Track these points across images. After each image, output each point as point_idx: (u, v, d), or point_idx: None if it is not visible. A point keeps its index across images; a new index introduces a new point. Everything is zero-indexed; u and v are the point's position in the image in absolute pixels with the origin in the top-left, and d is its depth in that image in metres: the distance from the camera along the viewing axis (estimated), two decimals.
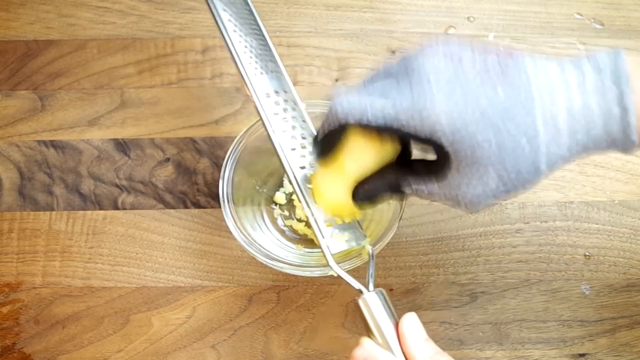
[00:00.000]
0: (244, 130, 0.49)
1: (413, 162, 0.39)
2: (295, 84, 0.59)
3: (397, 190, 0.39)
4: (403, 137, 0.36)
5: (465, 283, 0.54)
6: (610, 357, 0.52)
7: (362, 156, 0.39)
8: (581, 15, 0.62)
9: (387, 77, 0.36)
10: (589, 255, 0.55)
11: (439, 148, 0.34)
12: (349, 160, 0.39)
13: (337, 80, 0.60)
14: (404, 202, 0.47)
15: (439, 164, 0.36)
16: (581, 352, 0.52)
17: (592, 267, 0.54)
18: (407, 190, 0.38)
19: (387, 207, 0.50)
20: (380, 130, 0.35)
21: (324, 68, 0.60)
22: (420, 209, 0.56)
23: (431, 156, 0.36)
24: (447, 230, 0.55)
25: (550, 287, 0.54)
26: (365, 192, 0.40)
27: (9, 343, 0.53)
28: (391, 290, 0.54)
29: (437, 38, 0.36)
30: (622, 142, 0.34)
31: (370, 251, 0.44)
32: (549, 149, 0.34)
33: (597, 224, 0.55)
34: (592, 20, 0.62)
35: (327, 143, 0.38)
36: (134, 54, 0.61)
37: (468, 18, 0.62)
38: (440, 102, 0.33)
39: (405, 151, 0.40)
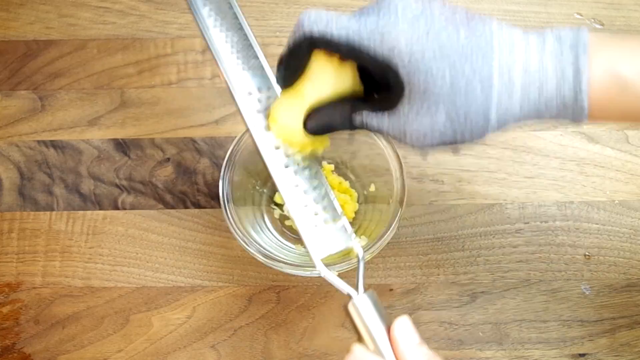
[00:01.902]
0: (244, 130, 0.49)
1: (367, 96, 0.40)
2: None
3: (349, 124, 0.39)
4: (361, 60, 0.36)
5: (465, 283, 0.54)
6: (610, 357, 0.52)
7: (321, 81, 0.39)
8: (581, 15, 0.62)
9: (360, 10, 0.37)
10: (589, 255, 0.55)
11: (392, 72, 0.35)
12: (308, 84, 0.39)
13: None
14: (403, 202, 0.47)
15: (392, 97, 0.36)
16: (581, 352, 0.52)
17: (592, 267, 0.54)
18: (357, 121, 0.38)
19: (386, 207, 0.50)
20: (341, 50, 0.36)
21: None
22: (420, 209, 0.56)
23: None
24: (447, 230, 0.55)
25: (550, 287, 0.54)
26: (317, 119, 0.39)
27: (9, 343, 0.53)
28: (391, 290, 0.54)
29: None
30: (572, 106, 0.35)
31: (360, 253, 0.42)
32: (500, 95, 0.35)
33: (597, 224, 0.55)
34: (592, 20, 0.62)
35: (291, 64, 0.38)
36: (134, 54, 0.61)
37: None
38: (403, 29, 0.34)
39: (365, 92, 0.40)
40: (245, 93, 0.43)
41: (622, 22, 0.62)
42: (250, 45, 0.44)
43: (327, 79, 0.39)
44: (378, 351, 0.36)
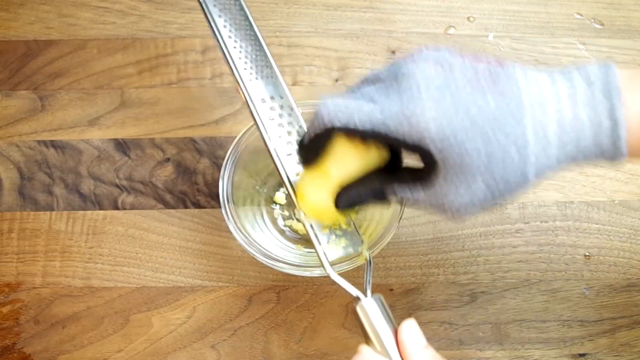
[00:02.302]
0: (244, 130, 0.49)
1: (400, 169, 0.39)
2: (295, 84, 0.60)
3: (381, 198, 0.38)
4: (390, 144, 0.36)
5: (465, 283, 0.54)
6: (610, 357, 0.52)
7: (346, 162, 0.38)
8: (581, 15, 0.62)
9: (376, 83, 0.36)
10: (589, 255, 0.55)
11: (426, 155, 0.34)
12: (333, 165, 0.38)
13: (337, 80, 0.60)
14: (403, 203, 0.47)
15: (426, 171, 0.35)
16: (581, 352, 0.52)
17: (592, 267, 0.54)
18: (392, 197, 0.38)
19: (386, 208, 0.50)
20: (366, 136, 0.35)
21: (324, 68, 0.60)
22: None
23: (419, 164, 0.36)
24: (447, 230, 0.55)
25: (550, 287, 0.54)
26: (348, 197, 0.39)
27: (9, 343, 0.53)
28: (391, 290, 0.54)
29: (427, 45, 0.36)
30: (611, 154, 0.34)
31: (368, 257, 0.43)
32: (538, 159, 0.34)
33: (597, 224, 0.55)
34: (592, 20, 0.62)
35: (313, 148, 0.38)
36: (134, 54, 0.61)
37: (468, 18, 0.62)
38: (430, 108, 0.33)
39: (393, 158, 0.39)
40: (259, 100, 0.44)
41: (622, 22, 0.62)
42: (263, 54, 0.45)
43: (351, 158, 0.38)
44: (385, 352, 0.36)
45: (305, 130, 0.45)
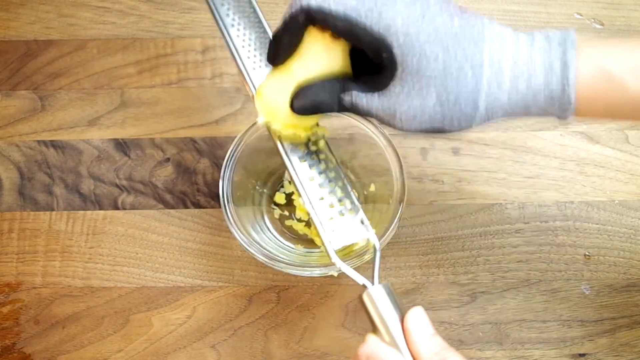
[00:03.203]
0: (244, 130, 0.49)
1: (357, 76, 0.39)
2: None
3: (337, 103, 0.38)
4: (356, 37, 0.36)
5: (465, 283, 0.54)
6: (610, 357, 0.52)
7: (311, 60, 0.38)
8: (581, 15, 0.62)
9: None
10: (589, 255, 0.55)
11: (386, 50, 0.35)
12: (298, 62, 0.38)
13: None
14: (403, 202, 0.47)
15: (383, 73, 0.36)
16: (581, 352, 0.52)
17: (592, 267, 0.54)
18: (347, 101, 0.38)
19: (386, 207, 0.50)
20: (337, 24, 0.36)
21: None
22: (420, 209, 0.56)
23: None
24: (447, 230, 0.55)
25: (550, 287, 0.54)
26: (305, 97, 0.39)
27: (9, 343, 0.53)
28: None
29: None
30: (559, 99, 0.35)
31: (376, 244, 0.42)
32: (490, 86, 0.35)
33: (597, 224, 0.55)
34: (592, 20, 0.62)
35: (284, 40, 0.38)
36: (134, 54, 0.61)
37: None
38: (400, 9, 0.35)
39: (354, 73, 0.40)
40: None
41: (622, 22, 0.62)
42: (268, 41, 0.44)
43: (317, 57, 0.38)
44: (392, 342, 0.36)
45: None
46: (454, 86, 0.35)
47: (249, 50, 0.44)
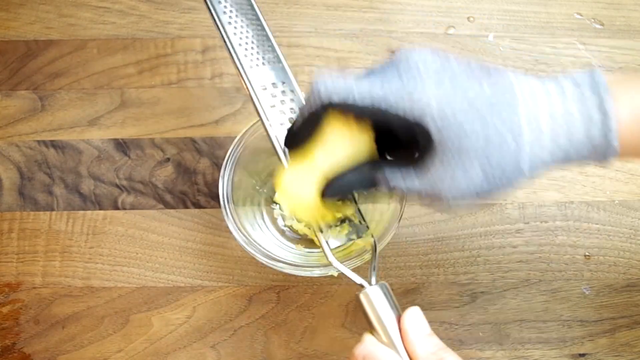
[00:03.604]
0: (244, 130, 0.49)
1: (391, 157, 0.38)
2: None
3: (370, 184, 0.37)
4: (388, 126, 0.35)
5: (465, 283, 0.54)
6: (610, 357, 0.52)
7: (335, 148, 0.37)
8: (581, 15, 0.62)
9: (371, 73, 0.35)
10: (589, 255, 0.55)
11: (424, 136, 0.34)
12: (321, 152, 0.37)
13: None
14: (403, 202, 0.47)
15: (420, 156, 0.35)
16: (581, 352, 0.52)
17: (592, 267, 0.54)
18: (383, 186, 0.36)
19: (386, 207, 0.50)
20: (365, 114, 0.34)
21: (324, 68, 0.60)
22: (420, 209, 0.56)
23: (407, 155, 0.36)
24: (447, 230, 0.55)
25: (550, 287, 0.54)
26: (336, 185, 0.37)
27: (9, 343, 0.53)
28: None
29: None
30: (603, 148, 0.34)
31: (374, 243, 0.42)
32: (532, 149, 0.34)
33: (597, 224, 0.55)
34: (592, 20, 0.62)
35: (303, 130, 0.36)
36: (134, 54, 0.61)
37: (468, 18, 0.62)
38: (430, 87, 0.33)
39: (381, 150, 0.38)
40: (260, 87, 0.43)
41: (622, 22, 0.62)
42: (266, 38, 0.44)
43: (342, 144, 0.37)
44: (389, 342, 0.36)
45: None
46: (497, 154, 0.34)
47: (247, 49, 0.44)
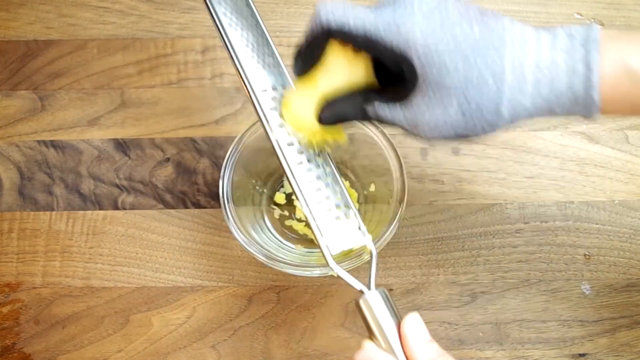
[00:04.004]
0: (244, 130, 0.49)
1: (381, 88, 0.40)
2: None
3: (361, 113, 0.39)
4: (376, 51, 0.37)
5: (465, 283, 0.54)
6: (610, 357, 0.52)
7: (335, 73, 0.39)
8: (581, 15, 0.62)
9: (379, 3, 0.38)
10: (589, 255, 0.55)
11: (406, 63, 0.35)
12: (322, 75, 0.39)
13: None
14: (403, 202, 0.47)
15: (404, 85, 0.37)
16: (581, 352, 0.52)
17: (592, 267, 0.54)
18: (370, 112, 0.39)
19: (386, 207, 0.50)
20: (358, 40, 0.36)
21: None
22: (420, 209, 0.56)
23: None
24: (447, 230, 0.55)
25: (550, 287, 0.54)
26: (330, 109, 0.40)
27: (9, 343, 0.53)
28: (391, 290, 0.54)
29: None
30: (583, 100, 0.35)
31: (373, 250, 0.43)
32: (512, 93, 0.35)
33: (597, 224, 0.55)
34: (592, 20, 0.62)
35: (307, 54, 0.39)
36: (134, 54, 0.61)
37: None
38: (418, 21, 0.35)
39: (377, 84, 0.40)
40: (260, 90, 0.43)
41: (622, 22, 0.62)
42: (265, 43, 0.44)
43: (341, 70, 0.39)
44: (389, 348, 0.36)
45: None
46: (475, 95, 0.35)
47: (247, 52, 0.44)
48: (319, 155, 0.44)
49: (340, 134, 0.43)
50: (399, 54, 0.36)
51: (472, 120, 0.36)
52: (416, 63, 0.35)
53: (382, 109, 0.38)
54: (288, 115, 0.42)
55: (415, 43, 0.35)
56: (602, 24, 0.62)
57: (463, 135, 0.37)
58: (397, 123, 0.38)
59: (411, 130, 0.38)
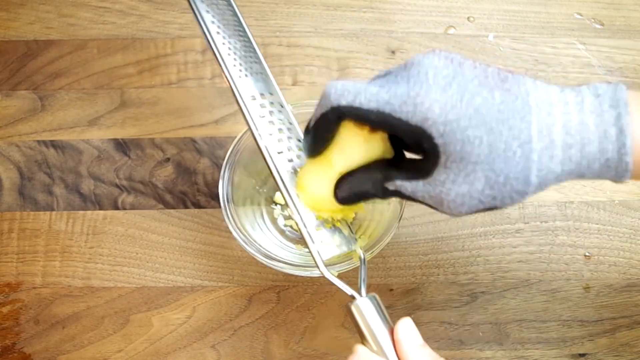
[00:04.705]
0: (244, 130, 0.49)
1: (400, 161, 0.39)
2: (295, 84, 0.60)
3: (380, 188, 0.38)
4: (393, 130, 0.35)
5: (465, 283, 0.54)
6: (610, 357, 0.52)
7: (350, 151, 0.38)
8: (581, 15, 0.62)
9: (386, 75, 0.36)
10: (589, 255, 0.55)
11: (427, 141, 0.34)
12: (337, 153, 0.38)
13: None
14: (403, 202, 0.47)
15: (426, 160, 0.35)
16: (581, 352, 0.52)
17: (592, 267, 0.54)
18: (390, 187, 0.37)
19: (387, 207, 0.50)
20: (371, 117, 0.35)
21: (324, 68, 0.60)
22: (420, 209, 0.56)
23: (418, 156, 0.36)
24: (447, 230, 0.55)
25: (550, 287, 0.54)
26: (348, 188, 0.38)
27: (9, 343, 0.53)
28: (391, 290, 0.54)
29: (440, 49, 0.36)
30: (615, 164, 0.33)
31: (362, 255, 0.43)
32: (540, 158, 0.33)
33: (597, 224, 0.55)
34: (592, 20, 0.62)
35: (317, 133, 0.38)
36: (134, 54, 0.61)
37: (468, 18, 0.62)
38: (435, 92, 0.33)
39: (395, 155, 0.39)
40: (249, 97, 0.43)
41: (622, 22, 0.62)
42: (252, 51, 0.44)
43: (356, 148, 0.38)
44: (381, 352, 0.36)
45: (297, 128, 0.45)
46: (503, 167, 0.33)
47: (235, 59, 0.43)
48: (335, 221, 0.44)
49: (360, 207, 0.42)
50: (417, 133, 0.34)
51: (501, 193, 0.34)
52: (438, 141, 0.33)
53: (403, 186, 0.36)
54: (305, 197, 0.41)
55: (435, 121, 0.33)
56: (602, 24, 0.62)
57: (491, 208, 0.35)
58: (420, 200, 0.36)
59: (435, 206, 0.36)
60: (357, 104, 0.35)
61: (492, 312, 0.53)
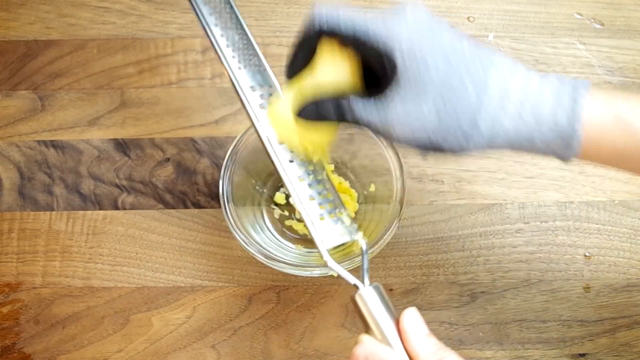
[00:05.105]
0: (244, 130, 0.49)
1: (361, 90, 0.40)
2: None
3: (337, 109, 0.38)
4: (362, 50, 0.37)
5: (465, 283, 0.54)
6: (610, 357, 0.52)
7: (321, 75, 0.39)
8: (581, 15, 0.62)
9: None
10: (589, 255, 0.55)
11: (389, 61, 0.35)
12: (309, 78, 0.40)
13: None
14: (403, 202, 0.47)
15: (384, 88, 0.36)
16: (581, 352, 0.52)
17: (592, 267, 0.54)
18: (345, 107, 0.38)
19: (386, 207, 0.50)
20: (346, 38, 0.37)
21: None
22: (420, 209, 0.56)
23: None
24: (447, 230, 0.55)
25: (550, 287, 0.54)
26: (311, 107, 0.39)
27: (9, 343, 0.53)
28: (391, 290, 0.54)
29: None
30: (566, 133, 0.34)
31: (364, 245, 0.43)
32: (492, 106, 0.35)
33: (597, 224, 0.55)
34: (592, 20, 0.62)
35: (299, 50, 0.40)
36: (134, 54, 0.61)
37: (468, 18, 0.62)
38: (407, 21, 0.36)
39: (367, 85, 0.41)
40: (249, 88, 0.43)
41: (622, 22, 0.62)
42: (250, 44, 0.44)
43: (326, 73, 0.39)
44: (386, 341, 0.36)
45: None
46: (452, 97, 0.35)
47: (233, 51, 0.44)
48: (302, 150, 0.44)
49: (329, 133, 0.42)
50: (382, 49, 0.36)
51: (446, 125, 0.35)
52: (397, 56, 0.35)
53: (355, 103, 0.37)
54: (270, 114, 0.42)
55: (400, 38, 0.35)
56: (602, 24, 0.62)
57: (436, 144, 0.36)
58: (371, 120, 0.37)
59: (384, 130, 0.37)
60: (336, 28, 0.37)
61: (492, 312, 0.53)
